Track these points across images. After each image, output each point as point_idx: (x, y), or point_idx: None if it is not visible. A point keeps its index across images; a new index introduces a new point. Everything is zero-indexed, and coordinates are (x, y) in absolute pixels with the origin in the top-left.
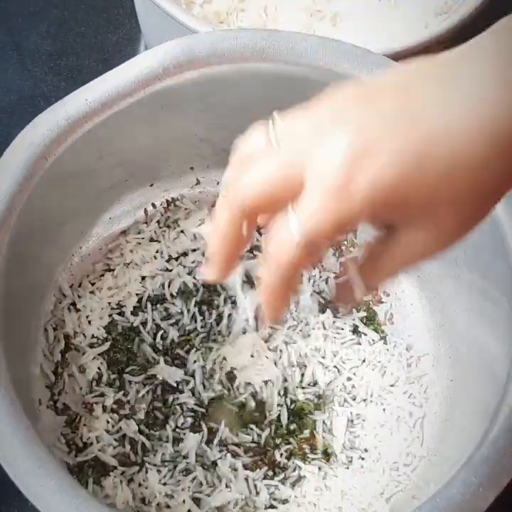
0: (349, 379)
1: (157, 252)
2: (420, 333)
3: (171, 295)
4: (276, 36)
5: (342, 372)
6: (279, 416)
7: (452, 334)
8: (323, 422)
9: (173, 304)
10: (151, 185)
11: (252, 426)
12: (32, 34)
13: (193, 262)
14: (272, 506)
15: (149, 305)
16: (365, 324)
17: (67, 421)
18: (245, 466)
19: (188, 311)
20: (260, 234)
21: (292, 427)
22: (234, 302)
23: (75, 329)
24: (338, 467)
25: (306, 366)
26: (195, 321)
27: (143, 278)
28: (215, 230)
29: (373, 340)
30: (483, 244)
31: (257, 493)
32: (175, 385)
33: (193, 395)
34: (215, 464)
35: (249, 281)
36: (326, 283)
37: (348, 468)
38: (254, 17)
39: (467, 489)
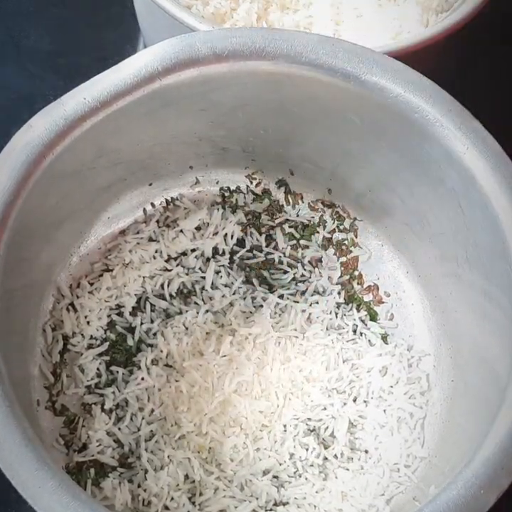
0: (350, 380)
1: (156, 252)
2: (421, 333)
3: (170, 295)
4: (275, 35)
5: (343, 372)
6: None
7: (453, 334)
8: (324, 423)
9: (172, 304)
10: (150, 184)
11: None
12: (31, 33)
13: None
14: (272, 508)
15: (148, 305)
16: (365, 324)
17: (65, 422)
18: None
19: (187, 311)
20: (260, 234)
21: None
22: (232, 303)
23: (73, 330)
24: (339, 468)
25: (306, 367)
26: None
27: (142, 278)
28: None
29: (374, 340)
30: (484, 244)
31: (257, 495)
32: None
33: None
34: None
35: (248, 281)
36: (330, 282)
37: (348, 469)
38: (252, 16)
39: (468, 491)
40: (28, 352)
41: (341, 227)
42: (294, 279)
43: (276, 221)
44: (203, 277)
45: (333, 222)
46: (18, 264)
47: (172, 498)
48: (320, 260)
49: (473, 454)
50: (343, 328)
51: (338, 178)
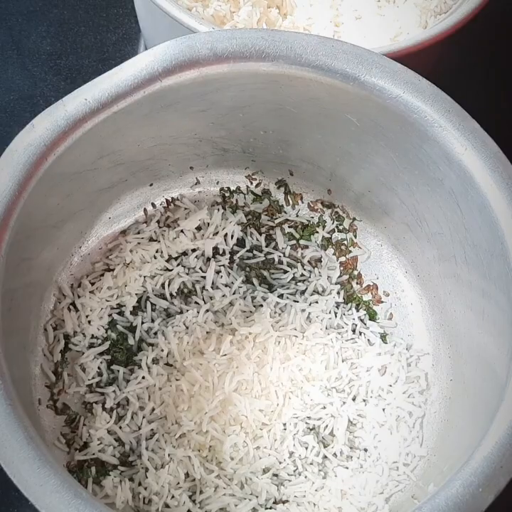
0: (349, 379)
1: (157, 251)
2: (420, 332)
3: (171, 295)
4: (275, 36)
5: (342, 371)
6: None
7: (452, 334)
8: (324, 422)
9: (173, 303)
10: (151, 184)
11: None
12: (32, 34)
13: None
14: (271, 506)
15: (149, 305)
16: (365, 324)
17: (67, 421)
18: None
19: (188, 310)
20: (260, 234)
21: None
22: (232, 302)
23: (74, 329)
24: (338, 467)
25: (306, 366)
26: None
27: (143, 278)
28: None
29: (373, 339)
30: (483, 244)
31: (257, 493)
32: None
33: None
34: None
35: (248, 281)
36: (329, 282)
37: (347, 467)
38: (253, 19)
39: (467, 489)
40: (30, 351)
41: (341, 227)
42: (293, 278)
43: (276, 221)
44: (204, 277)
45: (333, 222)
46: (19, 264)
47: (173, 496)
48: (319, 260)
49: (471, 453)
50: (343, 328)
51: (338, 179)
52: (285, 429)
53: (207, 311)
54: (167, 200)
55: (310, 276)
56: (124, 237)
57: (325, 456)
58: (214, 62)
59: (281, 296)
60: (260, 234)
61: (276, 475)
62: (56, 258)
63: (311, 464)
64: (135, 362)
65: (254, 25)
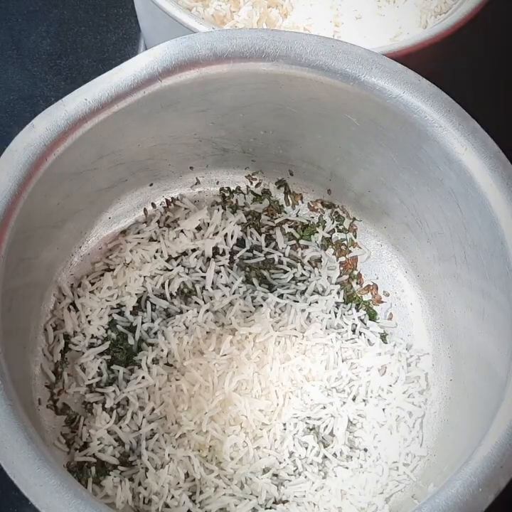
0: (349, 379)
1: (157, 251)
2: (420, 332)
3: (171, 295)
4: (275, 36)
5: (342, 371)
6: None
7: (452, 334)
8: (324, 422)
9: (173, 303)
10: (151, 184)
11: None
12: (32, 34)
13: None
14: (271, 506)
15: (149, 305)
16: (365, 324)
17: (66, 421)
18: None
19: (188, 310)
20: (260, 234)
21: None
22: (232, 302)
23: (74, 329)
24: (338, 467)
25: (306, 366)
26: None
27: (143, 278)
28: None
29: (373, 339)
30: (482, 244)
31: (257, 493)
32: None
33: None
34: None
35: (248, 281)
36: (329, 282)
37: (347, 467)
38: (253, 19)
39: (466, 489)
40: (30, 351)
41: (340, 227)
42: (293, 278)
43: (276, 221)
44: (204, 277)
45: (333, 222)
46: (19, 264)
47: (172, 497)
48: (319, 260)
49: (471, 453)
50: (343, 328)
51: (338, 179)
52: (285, 429)
53: (207, 311)
54: (167, 200)
55: (310, 276)
56: (124, 237)
57: (325, 456)
58: (214, 62)
59: (281, 296)
60: (260, 234)
61: (276, 475)
62: (56, 258)
63: (311, 463)
64: (135, 362)
65: (254, 25)
